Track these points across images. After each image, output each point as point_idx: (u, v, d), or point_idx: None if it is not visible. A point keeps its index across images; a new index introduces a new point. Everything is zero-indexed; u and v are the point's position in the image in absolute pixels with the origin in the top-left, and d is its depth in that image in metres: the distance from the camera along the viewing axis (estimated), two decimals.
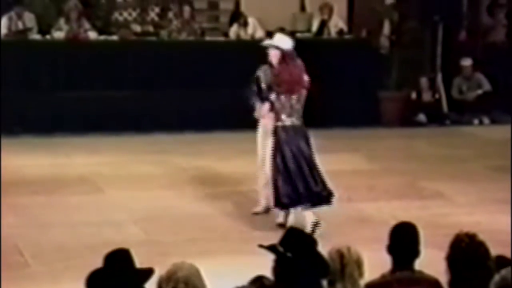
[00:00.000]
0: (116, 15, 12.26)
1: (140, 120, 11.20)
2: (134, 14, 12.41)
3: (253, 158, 9.63)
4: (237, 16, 12.29)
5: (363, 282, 3.84)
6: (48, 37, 11.37)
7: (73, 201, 8.10)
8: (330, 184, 7.32)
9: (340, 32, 12.29)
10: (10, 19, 11.27)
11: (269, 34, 12.20)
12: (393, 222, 4.05)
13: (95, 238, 6.74)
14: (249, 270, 3.82)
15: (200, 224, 7.51)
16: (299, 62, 7.26)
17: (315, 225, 6.01)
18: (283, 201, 7.03)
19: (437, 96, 12.47)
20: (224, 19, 12.92)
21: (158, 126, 11.09)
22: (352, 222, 7.45)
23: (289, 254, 3.54)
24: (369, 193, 8.47)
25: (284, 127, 7.08)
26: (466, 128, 12.01)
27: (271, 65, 7.50)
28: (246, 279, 3.73)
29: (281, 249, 3.57)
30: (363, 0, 12.94)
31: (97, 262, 3.50)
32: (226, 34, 12.23)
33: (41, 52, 11.15)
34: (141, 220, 7.48)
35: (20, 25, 11.30)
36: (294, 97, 7.12)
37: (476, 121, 12.33)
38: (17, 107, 10.87)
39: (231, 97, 11.41)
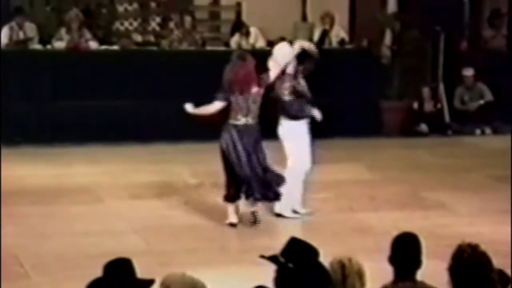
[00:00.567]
0: (117, 25, 12.27)
1: (140, 130, 11.18)
2: (135, 24, 12.42)
3: None
4: (238, 26, 12.30)
5: None
6: (49, 47, 11.37)
7: (73, 211, 8.08)
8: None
9: (342, 41, 12.29)
10: (11, 29, 11.27)
11: (270, 44, 12.23)
12: (394, 233, 4.03)
13: (95, 248, 6.72)
14: (250, 281, 3.79)
15: (201, 234, 7.48)
16: (248, 63, 7.52)
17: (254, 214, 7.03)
18: (232, 194, 7.43)
19: (439, 106, 12.45)
20: (225, 29, 12.93)
21: (158, 136, 11.07)
22: (354, 232, 7.42)
23: (290, 265, 3.51)
24: (371, 203, 8.44)
25: (236, 126, 7.46)
26: (468, 138, 11.98)
27: None
28: None
29: (282, 259, 3.55)
30: (365, 10, 12.94)
31: (97, 272, 3.47)
32: (227, 44, 12.23)
33: (42, 62, 11.14)
34: (141, 230, 7.45)
35: (21, 35, 11.30)
36: (251, 97, 7.44)
37: (478, 131, 12.30)
38: (18, 117, 10.86)
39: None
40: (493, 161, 10.12)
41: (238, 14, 12.72)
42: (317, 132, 11.41)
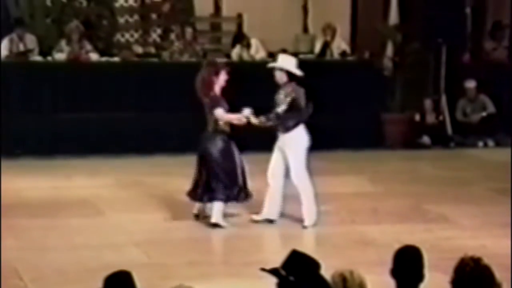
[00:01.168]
0: (118, 36, 12.27)
1: (141, 142, 11.15)
2: (136, 35, 12.43)
3: (255, 181, 9.58)
4: (239, 38, 12.29)
5: None
6: (49, 58, 11.36)
7: (74, 224, 8.03)
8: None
9: (343, 53, 12.27)
10: (11, 40, 11.27)
11: (271, 55, 12.22)
12: (397, 246, 3.99)
13: (96, 261, 6.67)
14: None
15: (202, 247, 7.43)
16: (203, 73, 7.93)
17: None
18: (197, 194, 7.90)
19: (441, 118, 12.42)
20: (226, 40, 12.93)
21: (159, 148, 11.03)
22: (355, 245, 7.37)
23: (291, 278, 3.48)
24: (373, 216, 8.39)
25: (226, 132, 7.91)
26: (470, 151, 11.94)
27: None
28: None
29: (283, 272, 3.51)
30: (366, 22, 12.93)
31: (98, 286, 3.44)
32: (228, 56, 12.21)
33: (42, 74, 11.13)
34: (142, 243, 7.41)
35: (21, 47, 11.30)
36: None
37: (480, 144, 12.26)
38: (18, 128, 10.83)
39: None
40: (496, 173, 10.07)
41: (239, 25, 12.72)
42: (319, 144, 11.41)
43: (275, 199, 7.91)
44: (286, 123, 7.79)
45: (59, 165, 10.43)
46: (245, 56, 12.02)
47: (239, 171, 7.88)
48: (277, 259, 3.69)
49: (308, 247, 3.74)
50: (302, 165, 7.84)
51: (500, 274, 3.64)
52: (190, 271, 6.62)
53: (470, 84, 12.37)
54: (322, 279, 3.56)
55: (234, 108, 11.36)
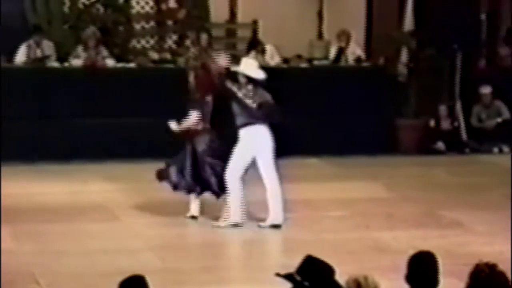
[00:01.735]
0: (133, 42, 12.33)
1: (156, 147, 11.18)
2: (151, 41, 12.48)
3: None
4: (254, 44, 12.31)
5: None
6: (66, 64, 11.44)
7: (89, 229, 8.08)
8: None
9: (358, 59, 12.28)
10: (29, 47, 11.35)
11: (286, 61, 12.24)
12: (411, 251, 3.99)
13: (111, 266, 6.71)
14: None
15: (216, 252, 7.46)
16: (199, 73, 8.46)
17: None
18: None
19: (456, 124, 12.39)
20: (241, 46, 12.95)
21: (174, 154, 11.06)
22: (370, 250, 7.37)
23: (306, 283, 3.49)
24: (387, 221, 8.39)
25: None
26: (485, 157, 11.91)
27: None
28: None
29: (298, 278, 3.53)
30: (381, 28, 12.93)
31: None
32: None
33: (59, 80, 11.20)
34: (156, 248, 7.44)
35: (38, 53, 11.38)
36: None
37: (495, 149, 12.22)
38: (35, 134, 10.90)
39: None
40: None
41: (254, 31, 12.75)
42: (334, 149, 11.42)
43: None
44: (236, 121, 8.01)
45: (76, 170, 10.49)
46: (260, 62, 12.04)
47: (187, 164, 8.20)
48: (292, 264, 3.71)
49: (322, 253, 3.75)
50: (236, 166, 7.92)
51: None
52: (205, 276, 6.64)
53: (485, 90, 12.34)
54: (336, 284, 3.57)
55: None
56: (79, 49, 11.45)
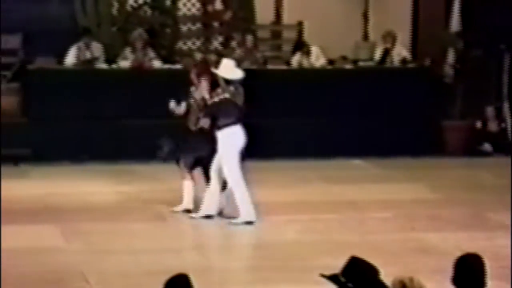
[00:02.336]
0: (180, 44, 12.43)
1: None
2: (197, 43, 12.57)
3: (314, 187, 9.62)
4: (300, 45, 12.33)
5: None
6: (114, 66, 11.59)
7: (136, 228, 8.18)
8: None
9: (403, 60, 12.22)
10: (78, 49, 11.53)
11: (331, 63, 12.23)
12: (457, 253, 3.98)
13: (157, 265, 6.78)
14: None
15: (261, 252, 7.49)
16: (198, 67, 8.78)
17: None
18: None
19: (503, 125, 12.25)
20: (286, 47, 12.97)
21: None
22: (415, 252, 7.34)
23: (350, 285, 3.50)
24: (433, 223, 8.34)
25: None
26: None
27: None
28: None
29: (343, 279, 3.54)
30: (427, 29, 12.84)
31: None
32: (288, 63, 12.27)
33: (107, 81, 11.34)
34: (202, 248, 7.51)
35: (88, 55, 11.54)
36: None
37: None
38: (84, 134, 11.07)
39: (293, 125, 11.43)
40: None
41: (300, 33, 12.76)
42: (379, 151, 11.38)
43: (214, 196, 8.22)
44: (216, 122, 8.16)
45: (123, 170, 10.61)
46: (305, 63, 12.06)
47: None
48: (336, 265, 3.73)
49: (366, 254, 3.75)
50: (235, 165, 8.11)
51: None
52: (250, 276, 6.68)
53: None
54: (381, 285, 3.57)
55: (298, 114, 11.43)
56: (127, 50, 11.59)
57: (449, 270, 3.86)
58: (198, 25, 12.63)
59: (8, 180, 9.85)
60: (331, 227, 8.13)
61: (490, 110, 12.25)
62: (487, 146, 12.09)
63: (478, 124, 12.19)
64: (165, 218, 8.51)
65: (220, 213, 8.30)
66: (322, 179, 10.29)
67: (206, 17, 12.66)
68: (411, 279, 3.79)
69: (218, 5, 12.55)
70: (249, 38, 12.03)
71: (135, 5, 12.26)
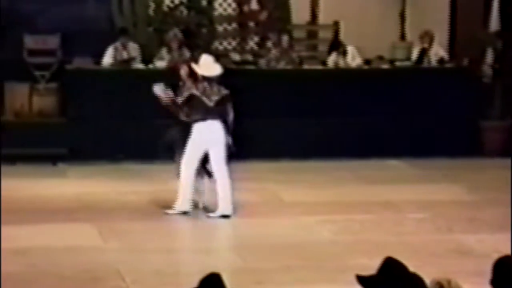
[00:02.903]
0: (216, 44, 12.46)
1: (238, 148, 11.27)
2: (233, 43, 12.59)
3: (350, 187, 9.57)
4: (336, 45, 12.29)
5: None
6: (150, 66, 11.65)
7: (171, 227, 8.22)
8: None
9: (441, 60, 12.11)
10: (115, 49, 11.61)
11: (368, 63, 12.17)
12: (495, 255, 3.93)
13: (192, 265, 6.82)
14: None
15: (296, 252, 7.48)
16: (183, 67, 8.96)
17: None
18: None
19: None
20: (322, 47, 12.94)
21: (254, 154, 11.14)
22: (452, 253, 7.28)
23: (386, 285, 3.47)
24: (470, 224, 8.26)
25: None
26: None
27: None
28: None
29: (378, 279, 3.51)
30: (465, 28, 12.72)
31: None
32: (324, 63, 12.23)
33: (144, 81, 11.40)
34: (238, 248, 7.52)
35: (124, 55, 11.62)
36: None
37: None
38: (120, 134, 11.14)
39: (327, 126, 11.39)
40: None
41: (336, 33, 12.71)
42: (415, 151, 11.29)
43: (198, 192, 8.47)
44: (191, 116, 8.39)
45: (158, 169, 10.65)
46: (341, 63, 12.02)
47: None
48: (371, 266, 3.71)
49: (402, 255, 3.72)
50: (190, 158, 8.34)
51: None
52: (285, 276, 6.67)
53: None
54: (418, 286, 3.54)
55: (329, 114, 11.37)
56: (163, 51, 11.65)
57: (487, 273, 3.82)
58: (234, 25, 12.65)
59: (46, 179, 9.97)
60: (366, 228, 8.09)
61: None
62: None
63: None
64: (201, 218, 8.53)
65: (197, 207, 8.51)
66: (358, 179, 10.24)
67: (242, 17, 12.68)
68: (449, 281, 3.75)
69: (254, 5, 12.56)
70: (285, 38, 12.02)
71: (171, 5, 12.32)
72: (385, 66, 12.08)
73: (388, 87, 11.47)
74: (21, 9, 11.91)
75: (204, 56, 8.79)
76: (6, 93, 11.35)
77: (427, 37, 12.06)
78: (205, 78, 8.47)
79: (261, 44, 12.52)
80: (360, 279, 3.57)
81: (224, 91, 8.57)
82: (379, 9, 12.88)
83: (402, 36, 13.02)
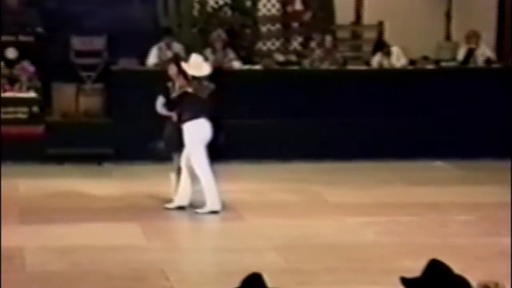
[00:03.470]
0: (259, 44, 12.47)
1: (280, 148, 11.28)
2: (277, 43, 12.59)
3: (394, 188, 9.50)
4: (380, 45, 12.21)
5: None
6: None
7: (215, 228, 8.26)
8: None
9: (488, 61, 11.96)
10: (160, 49, 11.69)
11: (412, 63, 12.07)
12: None
13: (235, 265, 6.83)
14: None
15: (340, 253, 7.45)
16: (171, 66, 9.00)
17: None
18: None
19: None
20: (367, 48, 12.87)
21: (298, 154, 11.13)
22: (500, 257, 7.17)
23: None
24: None
25: None
26: None
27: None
28: None
29: (423, 282, 3.48)
30: None
31: None
32: (368, 63, 12.17)
33: None
34: (281, 248, 7.51)
35: (169, 55, 11.70)
36: None
37: None
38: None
39: (372, 126, 11.33)
40: None
41: (380, 33, 12.64)
42: (461, 152, 11.17)
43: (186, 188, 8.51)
44: (182, 115, 8.47)
45: None
46: (386, 64, 11.94)
47: None
48: (416, 268, 3.67)
49: (448, 257, 3.68)
50: (202, 157, 8.39)
51: None
52: (328, 277, 6.65)
53: None
54: None
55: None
56: (208, 51, 11.70)
57: None
58: (278, 25, 12.65)
59: (92, 179, 10.09)
60: (411, 229, 8.03)
61: None
62: None
63: None
64: (244, 218, 8.55)
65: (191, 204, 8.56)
66: (403, 181, 10.17)
67: (285, 18, 12.67)
68: (496, 284, 3.70)
69: (298, 6, 12.55)
70: (329, 39, 11.99)
71: (215, 6, 12.36)
72: (430, 66, 11.98)
73: (434, 88, 11.37)
74: (68, 10, 12.07)
75: (194, 56, 8.89)
76: (53, 93, 11.50)
77: (474, 37, 11.92)
78: (195, 78, 8.60)
79: (304, 44, 12.50)
80: (404, 281, 3.54)
81: (211, 85, 8.77)
82: (424, 9, 12.77)
83: (448, 36, 12.89)
